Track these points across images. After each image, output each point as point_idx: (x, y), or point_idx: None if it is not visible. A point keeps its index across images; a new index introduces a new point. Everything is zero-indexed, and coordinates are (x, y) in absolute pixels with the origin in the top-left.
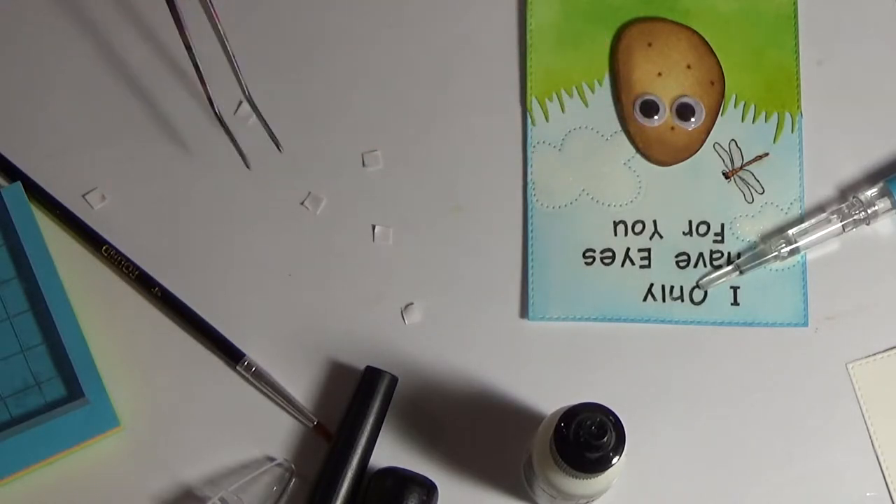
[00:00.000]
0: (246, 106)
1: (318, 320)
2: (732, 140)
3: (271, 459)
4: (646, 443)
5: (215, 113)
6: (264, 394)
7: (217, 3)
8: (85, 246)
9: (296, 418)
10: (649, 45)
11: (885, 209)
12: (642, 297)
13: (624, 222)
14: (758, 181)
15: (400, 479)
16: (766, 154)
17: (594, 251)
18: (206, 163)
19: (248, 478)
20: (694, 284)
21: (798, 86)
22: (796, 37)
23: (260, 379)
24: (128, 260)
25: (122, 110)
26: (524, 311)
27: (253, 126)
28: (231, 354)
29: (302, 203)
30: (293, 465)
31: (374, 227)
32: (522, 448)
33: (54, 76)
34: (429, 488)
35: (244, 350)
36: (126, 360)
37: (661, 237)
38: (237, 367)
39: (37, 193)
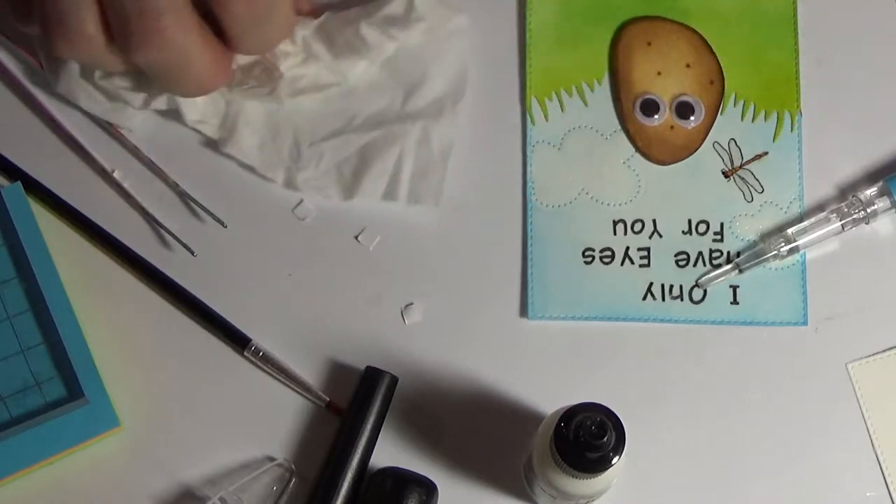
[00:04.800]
0: None
1: (318, 320)
2: (732, 139)
3: (271, 459)
4: (646, 443)
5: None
6: (273, 377)
7: None
8: (85, 240)
9: (307, 398)
10: (649, 44)
11: (884, 208)
12: (642, 296)
13: (623, 221)
14: (757, 180)
15: (400, 479)
16: (766, 153)
17: (593, 250)
18: None
19: (248, 478)
20: (693, 283)
21: (798, 85)
22: (796, 36)
23: (268, 363)
24: (132, 251)
25: None
26: (524, 311)
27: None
28: (237, 340)
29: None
30: (293, 465)
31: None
32: (522, 448)
33: None
34: (429, 488)
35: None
36: (126, 360)
37: (660, 236)
38: (245, 353)
39: (38, 191)
